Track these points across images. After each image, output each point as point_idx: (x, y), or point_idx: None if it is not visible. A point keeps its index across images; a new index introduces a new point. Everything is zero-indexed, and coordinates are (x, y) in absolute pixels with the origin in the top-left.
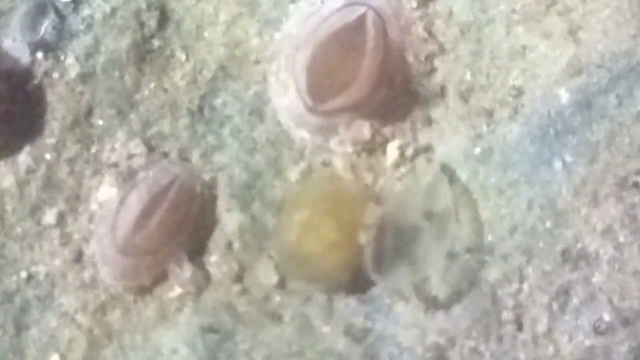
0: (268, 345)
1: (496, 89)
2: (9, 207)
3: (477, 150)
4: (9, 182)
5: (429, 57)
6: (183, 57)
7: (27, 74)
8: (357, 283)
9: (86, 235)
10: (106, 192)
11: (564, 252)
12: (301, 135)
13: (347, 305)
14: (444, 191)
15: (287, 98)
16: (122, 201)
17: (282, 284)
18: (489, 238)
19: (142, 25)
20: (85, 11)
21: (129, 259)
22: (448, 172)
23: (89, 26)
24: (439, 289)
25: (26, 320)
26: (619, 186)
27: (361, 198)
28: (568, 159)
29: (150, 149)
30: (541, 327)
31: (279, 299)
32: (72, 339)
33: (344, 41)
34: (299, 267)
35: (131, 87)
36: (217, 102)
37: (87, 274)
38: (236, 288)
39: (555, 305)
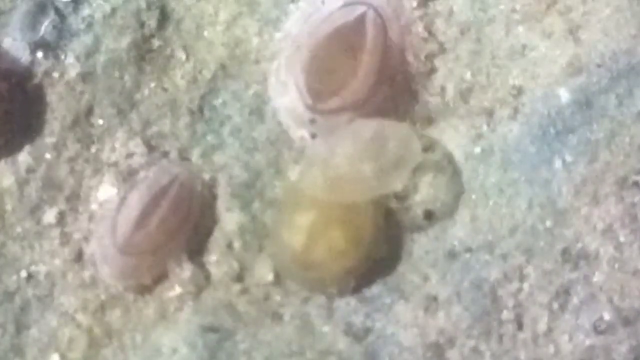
0: (268, 344)
1: (496, 89)
2: (9, 207)
3: (477, 150)
4: (9, 181)
5: (429, 57)
6: (183, 56)
7: (27, 73)
8: (358, 284)
9: (86, 234)
10: (106, 191)
11: (564, 252)
12: (301, 135)
13: (347, 304)
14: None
15: (287, 98)
16: (122, 201)
17: (278, 281)
18: (489, 238)
19: (142, 24)
20: (86, 11)
21: (129, 258)
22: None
23: (89, 26)
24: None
25: (26, 319)
26: (619, 185)
27: (366, 201)
28: (568, 158)
29: (151, 148)
30: (541, 327)
31: (279, 299)
32: (72, 339)
33: (344, 40)
34: (301, 273)
35: (131, 87)
36: (217, 101)
37: (87, 274)
38: (236, 288)
39: (555, 305)
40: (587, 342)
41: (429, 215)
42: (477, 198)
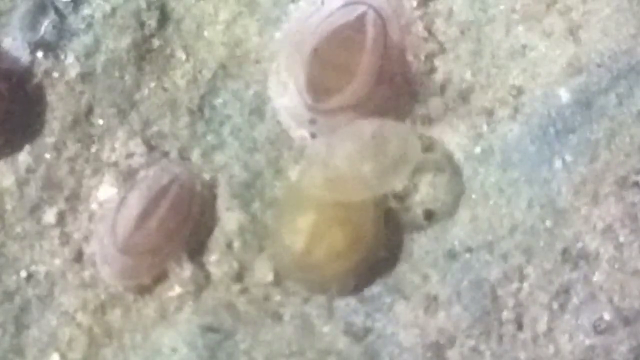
0: (268, 344)
1: (496, 89)
2: (9, 207)
3: (477, 150)
4: (9, 181)
5: (429, 57)
6: (183, 56)
7: (27, 73)
8: (358, 284)
9: (86, 234)
10: (106, 191)
11: (564, 252)
12: (301, 135)
13: (347, 304)
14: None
15: (287, 98)
16: (122, 200)
17: (278, 281)
18: (489, 238)
19: (142, 24)
20: (86, 10)
21: (129, 258)
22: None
23: (89, 25)
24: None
25: (26, 319)
26: (619, 185)
27: (366, 201)
28: (568, 158)
29: (151, 148)
30: (541, 327)
31: (279, 299)
32: (72, 338)
33: (344, 40)
34: (301, 274)
35: (131, 87)
36: (217, 101)
37: (87, 273)
38: (236, 287)
39: (555, 305)
40: (587, 342)
41: (429, 215)
42: (477, 198)
